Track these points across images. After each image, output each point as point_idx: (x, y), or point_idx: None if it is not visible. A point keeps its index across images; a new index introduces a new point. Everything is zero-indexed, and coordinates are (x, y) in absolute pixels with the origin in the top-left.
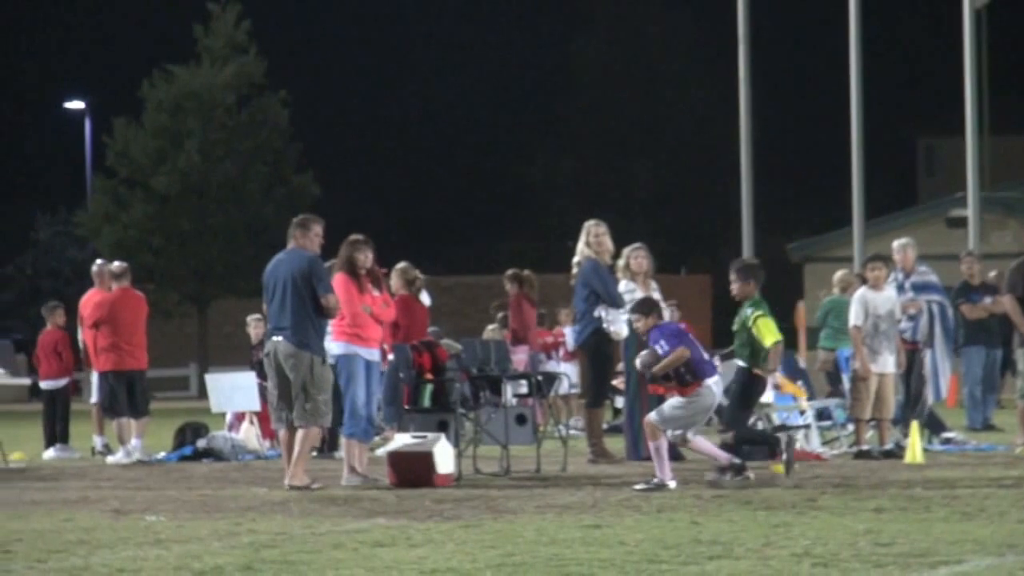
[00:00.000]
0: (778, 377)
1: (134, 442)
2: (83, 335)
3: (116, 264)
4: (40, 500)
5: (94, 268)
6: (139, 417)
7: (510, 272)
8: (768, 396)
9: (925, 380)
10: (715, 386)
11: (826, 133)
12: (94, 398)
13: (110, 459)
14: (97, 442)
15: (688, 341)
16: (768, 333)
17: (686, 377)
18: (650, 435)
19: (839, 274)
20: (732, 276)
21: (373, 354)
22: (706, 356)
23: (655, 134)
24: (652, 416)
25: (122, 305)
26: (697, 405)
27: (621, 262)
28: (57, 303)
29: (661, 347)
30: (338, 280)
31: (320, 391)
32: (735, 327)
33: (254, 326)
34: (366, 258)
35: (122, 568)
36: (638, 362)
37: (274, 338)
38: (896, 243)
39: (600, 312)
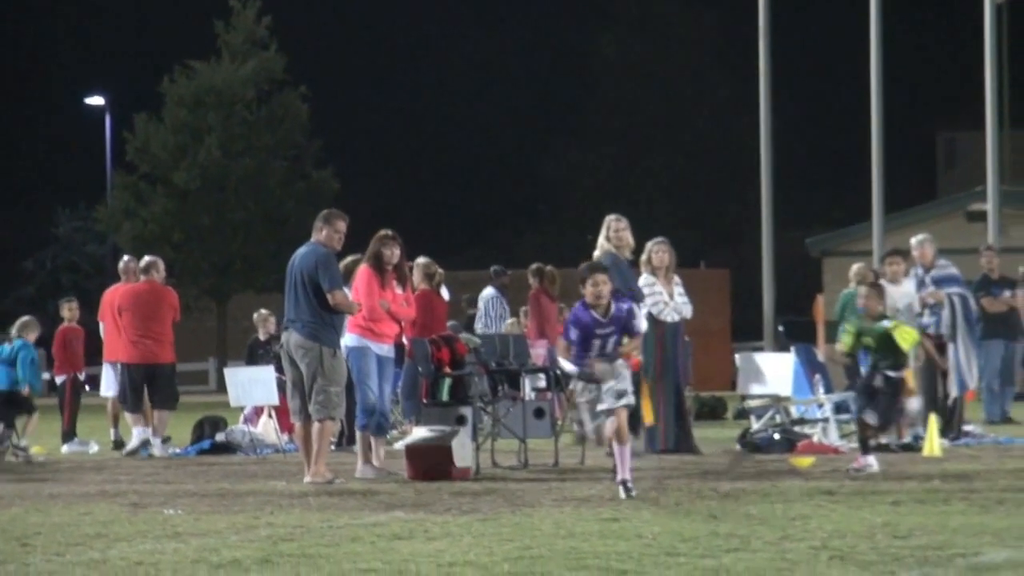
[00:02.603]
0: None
1: (148, 436)
2: (103, 328)
3: (145, 259)
4: (58, 493)
5: (120, 264)
6: (161, 409)
7: (533, 266)
8: (785, 388)
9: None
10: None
11: (846, 127)
12: (109, 392)
13: (156, 451)
14: (112, 435)
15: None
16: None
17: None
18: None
19: (855, 268)
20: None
21: (385, 349)
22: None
23: (675, 129)
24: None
25: (146, 298)
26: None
27: (643, 256)
28: (69, 297)
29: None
30: (362, 273)
31: (332, 383)
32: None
33: (261, 323)
34: (392, 254)
35: (140, 561)
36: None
37: (288, 330)
38: (914, 239)
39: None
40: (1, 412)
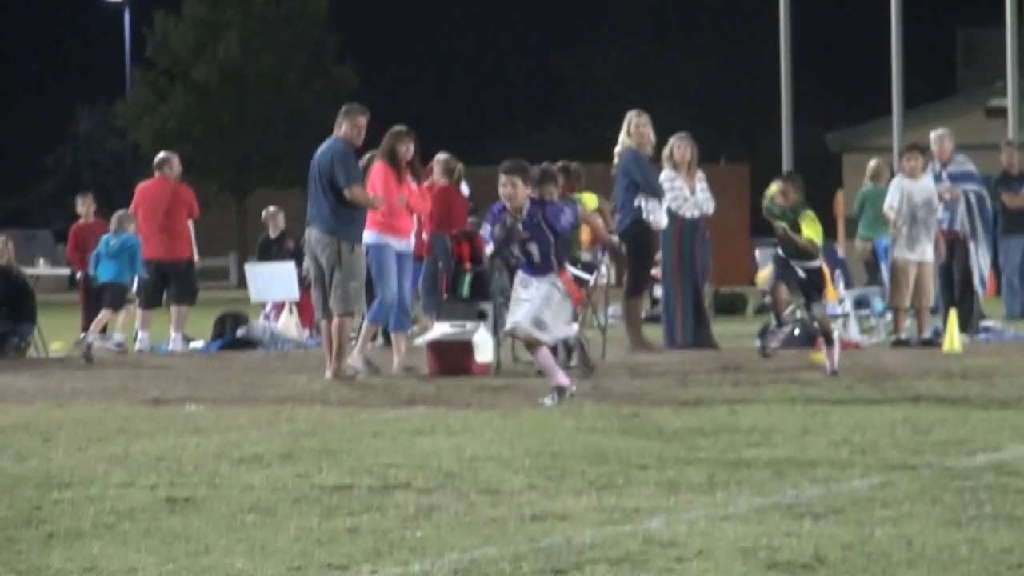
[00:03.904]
0: None
1: (146, 340)
2: None
3: (159, 155)
4: (80, 389)
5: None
6: (178, 305)
7: (560, 164)
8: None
9: (971, 271)
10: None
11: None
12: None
13: (177, 347)
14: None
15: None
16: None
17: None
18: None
19: (872, 163)
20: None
21: (404, 245)
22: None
23: (695, 24)
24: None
25: (158, 194)
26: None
27: (665, 151)
28: (84, 193)
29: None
30: (377, 170)
31: (350, 278)
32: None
33: (271, 220)
34: (407, 150)
35: (162, 456)
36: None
37: (309, 226)
38: (933, 134)
39: (639, 202)
40: (101, 303)
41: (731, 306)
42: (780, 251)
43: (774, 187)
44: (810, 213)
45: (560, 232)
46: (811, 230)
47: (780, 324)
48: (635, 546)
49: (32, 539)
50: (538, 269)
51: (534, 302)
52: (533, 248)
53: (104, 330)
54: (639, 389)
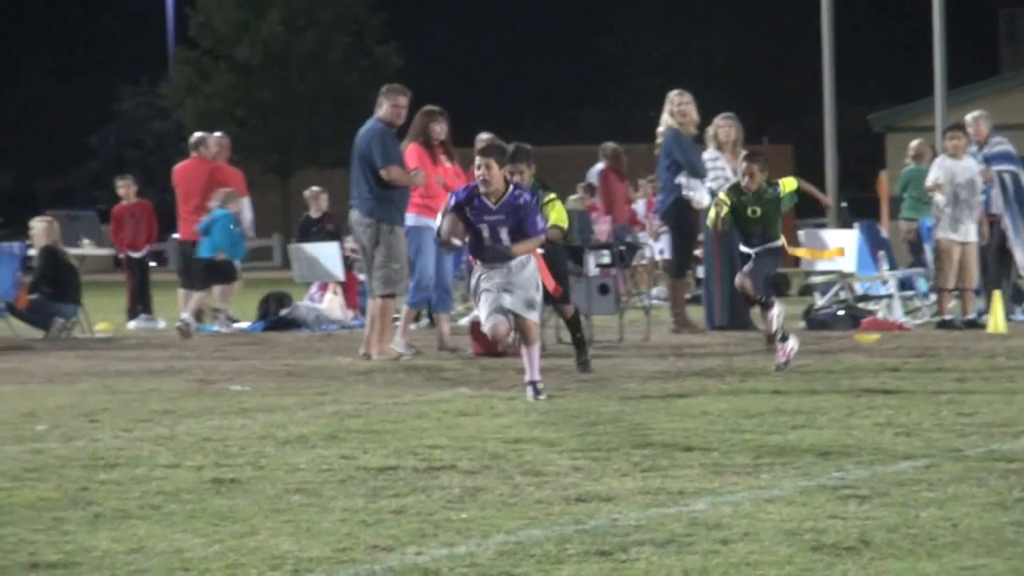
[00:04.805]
0: None
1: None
2: None
3: (194, 135)
4: (126, 370)
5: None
6: (217, 284)
7: (605, 146)
8: (849, 265)
9: (1010, 251)
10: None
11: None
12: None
13: (220, 327)
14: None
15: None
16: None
17: None
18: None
19: (914, 143)
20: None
21: None
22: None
23: (738, 2)
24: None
25: (192, 176)
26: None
27: (710, 131)
28: (123, 175)
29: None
30: (411, 151)
31: (391, 259)
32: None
33: (313, 200)
34: (441, 129)
35: (208, 437)
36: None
37: (351, 208)
38: (969, 116)
39: (681, 180)
40: (202, 279)
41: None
42: (742, 246)
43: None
44: (786, 181)
45: (529, 229)
46: (788, 197)
47: (779, 339)
48: (680, 528)
49: (79, 520)
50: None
51: (521, 286)
52: (503, 231)
53: (204, 310)
54: (684, 370)
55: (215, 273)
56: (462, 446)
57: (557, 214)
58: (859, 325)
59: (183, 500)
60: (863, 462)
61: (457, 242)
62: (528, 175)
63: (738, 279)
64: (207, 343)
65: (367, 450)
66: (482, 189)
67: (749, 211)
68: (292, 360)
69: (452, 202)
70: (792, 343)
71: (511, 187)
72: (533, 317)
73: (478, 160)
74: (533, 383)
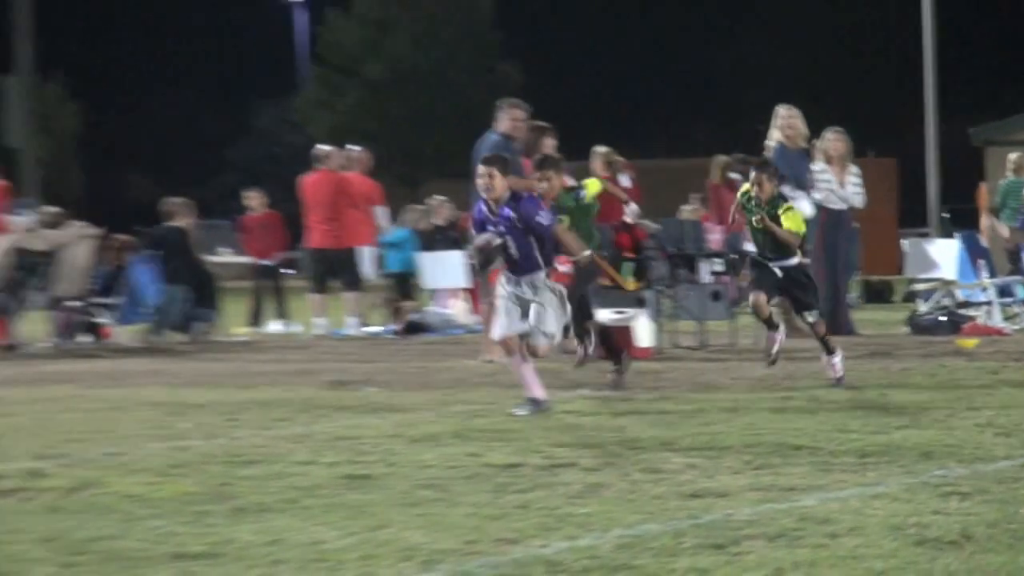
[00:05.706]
0: None
1: (324, 324)
2: None
3: (318, 149)
4: (264, 372)
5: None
6: (346, 292)
7: (718, 159)
8: (950, 273)
9: None
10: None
11: (1010, 18)
12: None
13: (352, 331)
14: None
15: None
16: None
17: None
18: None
19: (1013, 156)
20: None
21: None
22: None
23: (842, 17)
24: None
25: (317, 187)
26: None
27: (820, 143)
28: (250, 188)
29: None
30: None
31: None
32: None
33: (436, 209)
34: (550, 144)
35: (342, 436)
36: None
37: None
38: None
39: (785, 189)
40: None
41: (879, 294)
42: (755, 253)
43: (746, 185)
44: (789, 204)
45: (535, 228)
46: (791, 222)
47: (771, 328)
48: (790, 523)
49: (221, 513)
50: (519, 267)
51: (547, 312)
52: (508, 239)
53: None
54: (793, 373)
55: (402, 285)
56: (584, 444)
57: (793, 221)
58: (960, 330)
59: (319, 495)
60: (964, 460)
61: (497, 241)
62: (557, 183)
63: (752, 296)
64: (340, 346)
65: (492, 448)
66: (484, 196)
67: (754, 220)
68: (421, 363)
69: (476, 216)
70: (837, 357)
71: (511, 197)
72: (543, 343)
73: (481, 169)
74: (533, 400)
